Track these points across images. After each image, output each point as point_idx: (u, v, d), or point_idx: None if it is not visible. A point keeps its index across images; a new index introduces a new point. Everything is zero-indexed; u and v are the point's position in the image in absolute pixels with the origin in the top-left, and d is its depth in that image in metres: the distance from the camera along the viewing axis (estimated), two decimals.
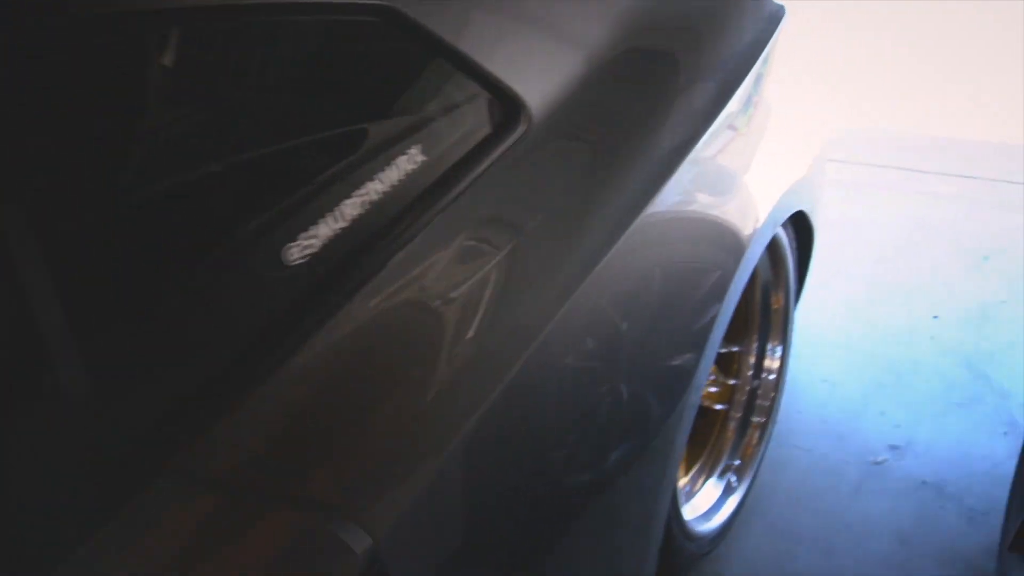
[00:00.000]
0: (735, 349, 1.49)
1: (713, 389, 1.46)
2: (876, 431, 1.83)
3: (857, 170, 3.19)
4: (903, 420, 1.86)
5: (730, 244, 1.04)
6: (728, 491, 1.47)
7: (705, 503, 1.43)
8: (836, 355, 2.07)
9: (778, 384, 1.53)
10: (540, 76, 0.84)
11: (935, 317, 2.20)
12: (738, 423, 1.50)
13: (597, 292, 0.78)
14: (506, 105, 0.80)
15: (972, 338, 2.12)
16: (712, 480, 1.47)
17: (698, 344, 0.99)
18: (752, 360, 1.50)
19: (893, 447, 1.78)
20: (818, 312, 2.21)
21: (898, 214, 2.79)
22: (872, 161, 3.25)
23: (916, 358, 2.05)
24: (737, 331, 1.49)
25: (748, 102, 1.12)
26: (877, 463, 1.74)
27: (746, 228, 1.06)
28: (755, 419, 1.51)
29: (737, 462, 1.51)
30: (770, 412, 1.52)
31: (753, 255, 1.10)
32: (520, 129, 0.80)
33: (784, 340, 1.51)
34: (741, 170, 1.10)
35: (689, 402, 1.00)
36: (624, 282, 0.83)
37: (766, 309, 1.47)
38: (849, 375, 1.99)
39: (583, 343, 0.78)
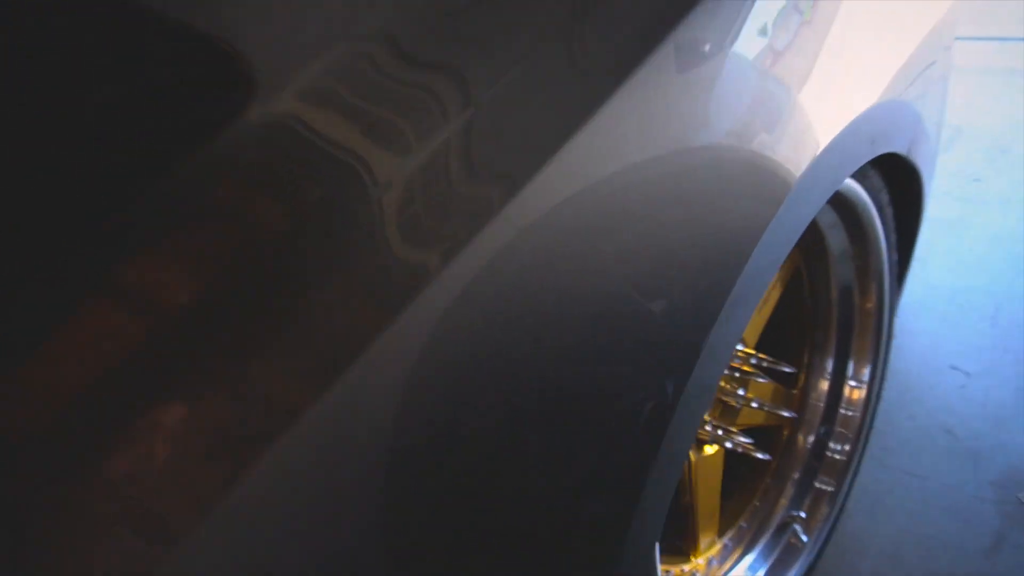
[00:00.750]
0: (788, 370, 1.00)
1: (746, 440, 0.98)
2: None
3: (1005, 49, 2.62)
4: None
5: (759, 191, 0.68)
6: (784, 563, 1.02)
7: None
8: (975, 329, 1.61)
9: (862, 428, 1.03)
10: None
11: None
12: (796, 484, 1.02)
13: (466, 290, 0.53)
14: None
15: None
16: (751, 557, 1.02)
17: (688, 342, 0.62)
18: (824, 388, 1.03)
19: None
20: (947, 262, 1.75)
21: None
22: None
23: None
24: (798, 342, 1.05)
25: None
26: None
27: (793, 166, 0.71)
28: (821, 484, 1.02)
29: (802, 514, 1.07)
30: (846, 475, 1.03)
31: (804, 208, 0.76)
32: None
33: (876, 359, 1.01)
34: (788, 76, 0.72)
35: (673, 435, 0.63)
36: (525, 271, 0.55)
37: (847, 309, 0.99)
38: (994, 362, 1.54)
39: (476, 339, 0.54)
